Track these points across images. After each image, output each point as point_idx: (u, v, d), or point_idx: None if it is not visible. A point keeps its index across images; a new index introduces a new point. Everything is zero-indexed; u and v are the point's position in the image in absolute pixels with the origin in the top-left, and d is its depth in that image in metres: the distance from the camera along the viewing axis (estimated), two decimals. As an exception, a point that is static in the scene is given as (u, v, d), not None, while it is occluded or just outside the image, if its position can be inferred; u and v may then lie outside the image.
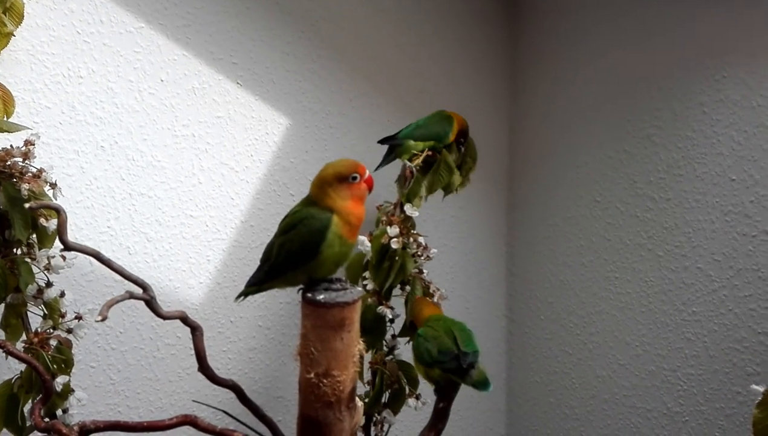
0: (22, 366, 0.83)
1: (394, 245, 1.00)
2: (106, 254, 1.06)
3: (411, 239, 1.02)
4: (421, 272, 1.05)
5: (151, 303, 0.73)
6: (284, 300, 1.27)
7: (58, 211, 0.66)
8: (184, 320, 0.78)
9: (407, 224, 1.04)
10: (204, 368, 0.81)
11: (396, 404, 1.01)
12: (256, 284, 0.87)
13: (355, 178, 0.81)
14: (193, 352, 1.15)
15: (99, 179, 1.05)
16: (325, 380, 0.71)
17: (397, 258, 1.00)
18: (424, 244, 1.04)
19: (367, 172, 0.82)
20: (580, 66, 1.48)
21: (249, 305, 1.22)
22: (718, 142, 1.25)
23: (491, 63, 1.58)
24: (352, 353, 0.73)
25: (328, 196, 0.81)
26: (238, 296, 0.90)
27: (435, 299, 1.07)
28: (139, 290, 0.74)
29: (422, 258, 1.04)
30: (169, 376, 1.15)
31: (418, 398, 1.01)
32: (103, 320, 0.65)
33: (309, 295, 0.73)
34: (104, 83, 1.05)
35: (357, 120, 1.35)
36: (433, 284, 1.07)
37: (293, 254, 0.79)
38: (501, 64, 1.60)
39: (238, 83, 1.18)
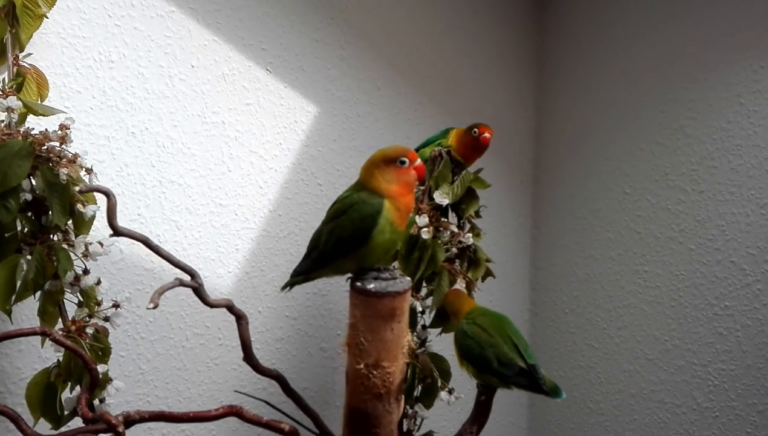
0: (55, 356, 0.82)
1: (425, 235, 0.98)
2: (135, 242, 1.05)
3: (442, 228, 1.00)
4: (452, 261, 1.03)
5: (199, 291, 0.72)
6: (311, 291, 1.26)
7: (108, 195, 0.64)
8: (230, 308, 0.76)
9: (437, 212, 1.01)
10: (249, 357, 0.80)
11: (428, 398, 0.99)
12: (304, 273, 0.85)
13: (403, 162, 0.79)
14: (222, 342, 1.15)
15: (129, 166, 1.04)
16: (374, 371, 0.70)
17: (427, 248, 0.98)
18: (456, 231, 1.02)
19: (419, 160, 0.80)
20: (611, 56, 1.46)
21: (276, 295, 1.21)
22: (755, 134, 1.22)
23: (517, 52, 1.56)
24: (401, 343, 0.71)
25: (375, 178, 0.79)
26: (285, 286, 0.89)
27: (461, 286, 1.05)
28: (187, 277, 0.72)
29: (454, 248, 1.01)
30: (198, 366, 1.13)
31: (451, 392, 0.98)
32: (154, 307, 0.64)
33: (359, 284, 0.72)
34: (135, 68, 1.03)
35: (385, 109, 1.33)
36: (463, 273, 1.05)
37: (343, 240, 0.78)
38: (527, 53, 1.58)
39: (267, 70, 1.16)
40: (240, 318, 0.77)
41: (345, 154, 1.28)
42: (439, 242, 0.99)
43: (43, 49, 0.95)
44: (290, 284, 0.89)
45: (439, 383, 1.00)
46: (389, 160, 0.80)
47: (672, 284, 1.36)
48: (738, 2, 1.24)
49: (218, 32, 1.10)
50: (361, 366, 0.70)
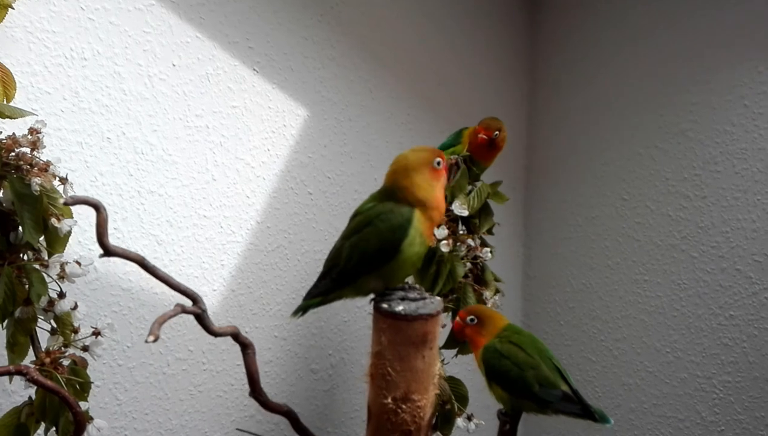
0: (26, 392, 0.71)
1: (444, 248, 0.90)
2: (112, 259, 0.95)
3: (459, 242, 0.93)
4: (468, 276, 0.96)
5: (202, 318, 0.62)
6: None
7: (98, 209, 0.54)
8: (236, 336, 0.67)
9: (455, 225, 0.94)
10: (257, 392, 0.70)
11: (447, 425, 0.91)
12: (322, 295, 0.76)
13: (438, 163, 0.72)
14: (206, 367, 1.06)
15: (105, 175, 0.94)
16: (404, 405, 0.61)
17: (445, 262, 0.91)
18: (473, 244, 0.94)
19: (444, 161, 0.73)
20: (608, 58, 1.41)
21: (264, 314, 1.12)
22: (760, 137, 1.19)
23: (510, 55, 1.51)
24: (432, 373, 0.63)
25: (416, 185, 0.71)
26: (297, 311, 0.79)
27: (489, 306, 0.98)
28: (188, 302, 0.63)
29: (476, 260, 0.94)
30: (180, 394, 1.03)
31: (470, 418, 0.91)
32: (155, 340, 0.54)
33: (384, 306, 0.63)
34: (111, 67, 0.93)
35: (377, 112, 1.25)
36: (486, 289, 0.97)
37: (369, 255, 0.69)
38: (520, 55, 1.52)
39: (254, 70, 1.07)
40: (246, 347, 0.68)
41: (336, 161, 1.20)
42: (457, 255, 0.92)
43: (7, 45, 0.84)
44: (303, 309, 0.79)
45: (456, 408, 0.93)
46: (429, 164, 0.72)
47: (674, 293, 1.32)
48: (741, 1, 1.21)
49: (201, 28, 1.01)
50: (388, 400, 0.62)
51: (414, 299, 0.64)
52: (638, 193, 1.36)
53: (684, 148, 1.29)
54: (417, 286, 0.68)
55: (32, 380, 0.58)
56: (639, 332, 1.38)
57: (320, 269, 0.79)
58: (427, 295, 0.67)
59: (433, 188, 0.71)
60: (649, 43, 1.34)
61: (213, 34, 1.02)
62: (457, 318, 0.88)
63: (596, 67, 1.43)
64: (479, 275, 0.98)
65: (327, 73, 1.17)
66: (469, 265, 0.96)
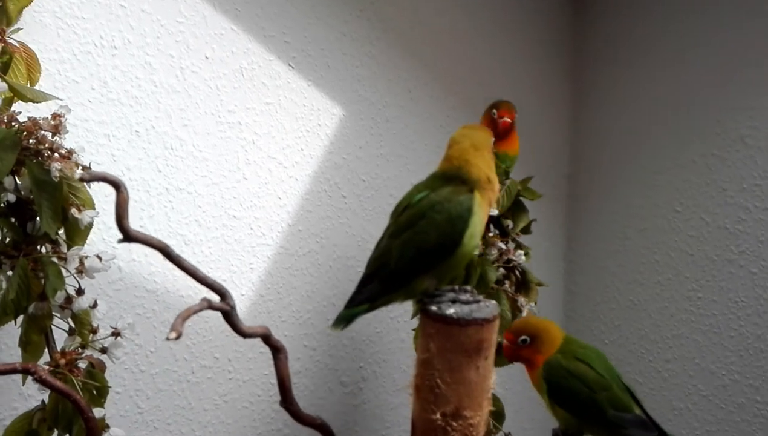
0: (39, 396, 0.67)
1: (474, 251, 0.83)
2: (137, 257, 0.90)
3: (489, 245, 0.86)
4: (502, 282, 0.89)
5: (230, 315, 0.57)
6: (332, 317, 1.10)
7: (118, 187, 0.49)
8: (267, 338, 0.61)
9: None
10: (288, 401, 0.64)
11: (485, 445, 0.83)
12: (370, 301, 0.68)
13: (493, 142, 0.68)
14: (232, 376, 1.00)
15: (132, 170, 0.89)
16: (454, 423, 0.54)
17: (475, 266, 0.84)
18: (505, 247, 0.87)
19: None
20: (660, 57, 1.33)
21: (294, 321, 1.06)
22: (830, 144, 1.10)
23: (554, 57, 1.44)
24: (487, 386, 0.56)
25: (477, 166, 0.65)
26: (339, 322, 0.70)
27: (524, 314, 0.91)
28: (215, 298, 0.57)
29: (511, 264, 0.87)
30: (204, 404, 0.98)
31: (507, 436, 0.83)
32: (177, 337, 0.49)
33: (434, 308, 0.57)
34: (141, 57, 0.89)
35: (415, 113, 1.19)
36: (523, 296, 0.90)
37: (426, 253, 0.62)
38: (564, 56, 1.46)
39: (289, 65, 1.03)
40: (278, 351, 0.62)
41: (372, 163, 1.14)
42: (488, 259, 0.85)
43: (35, 30, 0.80)
44: (347, 319, 0.70)
45: (491, 425, 0.85)
46: (489, 143, 0.67)
47: (731, 311, 1.23)
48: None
49: (237, 20, 0.97)
50: (437, 416, 0.55)
51: (467, 302, 0.58)
52: (692, 204, 1.27)
53: (743, 157, 1.20)
54: (468, 287, 0.61)
55: (40, 380, 0.53)
56: (692, 353, 1.28)
57: (353, 276, 0.72)
58: (481, 297, 0.60)
59: (491, 170, 0.65)
60: (705, 45, 1.26)
61: (248, 26, 0.98)
62: (505, 342, 0.80)
63: (647, 69, 1.36)
64: (518, 280, 0.91)
65: (365, 72, 1.12)
66: (502, 270, 0.89)
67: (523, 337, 0.79)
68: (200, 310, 0.53)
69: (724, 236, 1.23)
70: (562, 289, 1.51)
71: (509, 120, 0.93)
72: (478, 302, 0.58)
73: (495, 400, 0.87)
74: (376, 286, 0.66)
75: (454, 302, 0.58)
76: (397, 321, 1.19)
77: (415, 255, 0.63)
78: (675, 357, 1.31)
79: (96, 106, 0.86)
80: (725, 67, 1.23)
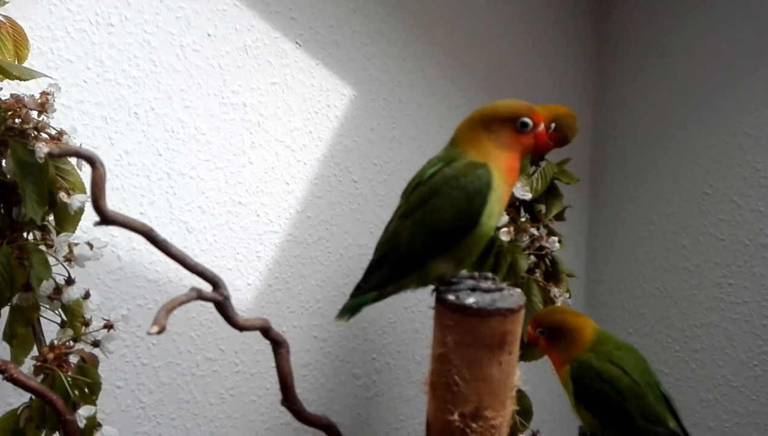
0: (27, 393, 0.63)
1: (503, 236, 0.78)
2: (137, 245, 0.86)
3: (521, 230, 0.80)
4: (533, 271, 0.83)
5: (224, 306, 0.52)
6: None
7: (93, 163, 0.45)
8: (266, 331, 0.56)
9: (515, 211, 0.82)
10: (290, 400, 0.60)
11: (510, 444, 0.78)
12: (379, 287, 0.62)
13: (525, 125, 0.59)
14: (238, 368, 0.96)
15: (131, 154, 0.85)
16: (473, 424, 0.49)
17: (504, 254, 0.79)
18: (536, 234, 0.82)
19: (542, 125, 0.60)
20: (687, 29, 1.26)
21: (303, 312, 1.02)
22: None
23: (576, 33, 1.37)
24: (511, 384, 0.51)
25: (480, 142, 0.59)
26: (345, 312, 0.65)
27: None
28: (207, 287, 0.53)
29: (543, 252, 0.82)
30: (210, 398, 0.94)
31: (535, 435, 0.78)
32: (160, 331, 0.44)
33: (451, 297, 0.51)
34: (140, 35, 0.85)
35: (429, 94, 1.14)
36: (556, 286, 0.85)
37: (441, 233, 0.57)
38: (586, 32, 1.39)
39: (297, 43, 0.98)
40: (278, 345, 0.57)
41: (384, 146, 1.09)
42: (519, 246, 0.80)
43: (25, 5, 0.76)
44: (353, 309, 0.65)
45: (518, 423, 0.80)
46: (506, 120, 0.59)
47: (764, 298, 1.16)
48: None
49: (239, -5, 0.92)
50: (455, 416, 0.50)
51: (488, 290, 0.52)
52: (723, 186, 1.21)
53: (779, 135, 1.13)
54: (489, 274, 0.56)
55: (11, 379, 0.49)
56: (721, 342, 1.22)
57: (365, 264, 0.67)
58: (504, 285, 0.54)
59: (500, 150, 0.58)
60: (737, 17, 1.19)
61: (252, 2, 0.93)
62: (529, 329, 0.75)
63: (674, 46, 1.28)
64: (548, 269, 0.85)
65: (376, 50, 1.07)
66: (533, 257, 0.83)
67: (541, 329, 0.74)
68: (188, 301, 0.48)
69: (757, 219, 1.16)
70: (584, 276, 1.45)
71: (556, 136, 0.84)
72: (501, 290, 0.53)
73: (522, 396, 0.82)
74: (385, 272, 0.60)
75: (474, 290, 0.52)
76: (411, 311, 1.15)
77: (428, 236, 0.57)
78: (703, 347, 1.25)
79: (92, 87, 0.82)
80: (759, 40, 1.15)
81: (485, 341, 0.49)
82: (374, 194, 1.08)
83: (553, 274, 0.85)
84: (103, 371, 0.84)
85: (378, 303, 1.09)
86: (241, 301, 0.95)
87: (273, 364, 0.99)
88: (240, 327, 0.52)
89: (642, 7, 1.34)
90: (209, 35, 0.90)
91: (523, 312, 0.52)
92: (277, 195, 0.98)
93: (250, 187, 0.95)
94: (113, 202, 0.84)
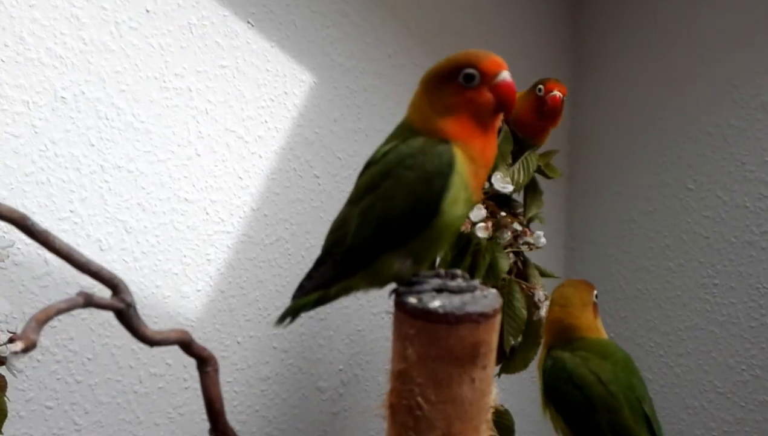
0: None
1: (480, 233, 0.69)
2: (67, 248, 0.76)
3: (502, 225, 0.72)
4: (512, 271, 0.75)
5: (125, 316, 0.42)
6: (305, 314, 0.97)
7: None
8: (187, 345, 0.46)
9: (494, 204, 0.74)
10: (220, 429, 0.50)
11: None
12: (322, 287, 0.52)
13: (470, 77, 0.47)
14: (188, 384, 0.86)
15: (58, 144, 0.75)
16: (440, 455, 0.40)
17: (483, 252, 0.70)
18: (520, 229, 0.74)
19: (503, 74, 0.48)
20: (667, 20, 1.20)
21: (261, 320, 0.92)
22: None
23: (550, 19, 1.31)
24: (485, 405, 0.42)
25: (420, 109, 0.49)
26: (283, 317, 0.56)
27: (542, 314, 0.77)
28: (105, 292, 0.43)
29: (525, 247, 0.74)
30: (156, 417, 0.84)
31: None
32: (26, 349, 0.34)
33: (412, 300, 0.43)
34: (67, 9, 0.75)
35: (396, 82, 1.06)
36: (539, 291, 0.77)
37: (392, 222, 0.47)
38: (561, 20, 1.33)
39: (249, 23, 0.89)
40: (204, 362, 0.47)
41: (348, 139, 1.00)
42: (499, 244, 0.72)
43: (-74, -29, 0.66)
44: (293, 312, 0.56)
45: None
46: (445, 76, 0.48)
47: (751, 299, 1.10)
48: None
49: (183, -32, 0.83)
50: (419, 444, 0.41)
51: (458, 290, 0.43)
52: (707, 181, 1.15)
53: (764, 126, 1.08)
54: (458, 271, 0.47)
55: None
56: (707, 346, 1.16)
57: None
58: (476, 283, 0.46)
59: (447, 115, 0.47)
60: (719, 2, 1.13)
61: (198, -24, 0.84)
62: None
63: (653, 33, 1.23)
64: (520, 270, 0.77)
65: (338, 33, 0.98)
66: (512, 256, 0.75)
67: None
68: (69, 309, 0.38)
69: (743, 215, 1.11)
70: (562, 277, 1.38)
71: (560, 94, 0.77)
72: (472, 290, 0.44)
73: (503, 415, 0.74)
74: (330, 269, 0.51)
75: (440, 291, 0.44)
76: (381, 317, 1.06)
77: (378, 226, 0.48)
78: (688, 351, 1.19)
79: (11, 67, 0.72)
80: (741, 24, 1.10)
81: (454, 353, 0.40)
82: (338, 191, 1.00)
83: (525, 274, 0.77)
84: (30, 389, 0.75)
85: (344, 309, 1.02)
86: (189, 309, 0.85)
87: (228, 379, 0.91)
88: (150, 341, 0.42)
89: (619, -5, 1.29)
90: (148, 11, 0.80)
91: (499, 317, 0.43)
92: (229, 191, 0.88)
93: (197, 182, 0.85)
94: (38, 199, 0.74)
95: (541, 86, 0.79)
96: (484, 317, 0.40)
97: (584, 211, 1.34)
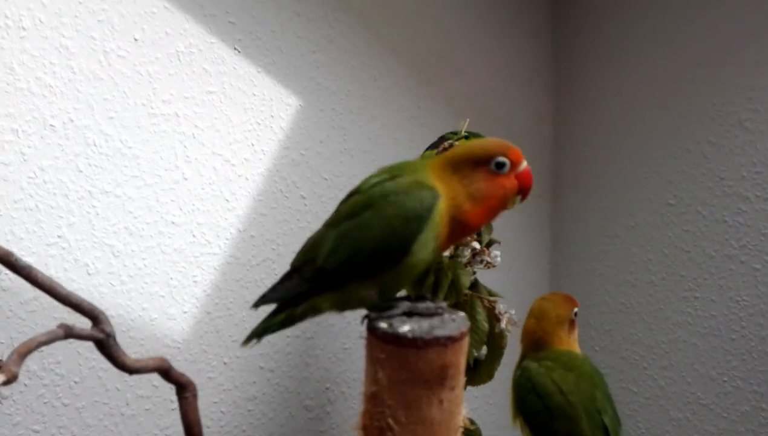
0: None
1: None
2: (55, 273, 0.77)
3: (461, 245, 0.74)
4: (474, 286, 0.77)
5: (106, 345, 0.43)
6: (292, 333, 0.98)
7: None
8: (166, 372, 0.48)
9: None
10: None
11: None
12: (288, 305, 0.55)
13: (501, 165, 0.53)
14: (175, 406, 0.86)
15: (47, 170, 0.76)
16: (412, 475, 0.42)
17: (445, 271, 0.72)
18: (478, 248, 0.76)
19: (524, 162, 0.54)
20: (647, 36, 1.23)
21: (249, 340, 0.93)
22: (836, 127, 1.00)
23: (534, 40, 1.33)
24: (455, 425, 0.44)
25: (443, 180, 0.53)
26: (249, 338, 0.58)
27: (503, 326, 0.79)
28: (85, 323, 0.44)
29: (482, 265, 0.76)
30: (143, 439, 0.85)
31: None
32: (8, 381, 0.36)
33: (383, 325, 0.44)
34: (56, 39, 0.76)
35: (382, 104, 1.08)
36: (500, 304, 0.79)
37: (364, 254, 0.49)
38: (545, 41, 1.35)
39: (235, 49, 0.90)
40: (183, 388, 0.49)
41: (334, 160, 1.02)
42: (461, 262, 0.73)
43: None
44: (259, 334, 0.58)
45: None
46: (477, 162, 0.53)
47: (732, 312, 1.12)
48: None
49: (170, -3, 0.85)
50: (389, 467, 0.42)
51: (427, 313, 0.45)
52: (687, 196, 1.17)
53: (742, 142, 1.10)
54: (428, 295, 0.49)
55: None
56: (690, 359, 1.18)
57: None
58: (444, 305, 0.47)
59: (467, 189, 0.51)
60: (697, 20, 1.16)
61: (185, 4, 0.86)
62: None
63: (633, 53, 1.25)
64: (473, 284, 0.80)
65: (324, 57, 1.00)
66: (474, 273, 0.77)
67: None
68: (50, 341, 0.40)
69: (722, 229, 1.13)
70: (548, 292, 1.40)
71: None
72: (440, 313, 0.46)
73: (471, 433, 0.75)
74: (295, 284, 0.53)
75: (410, 314, 0.45)
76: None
77: (351, 254, 0.50)
78: (672, 363, 1.20)
79: (1, 97, 0.73)
80: (721, 43, 1.13)
81: (423, 376, 0.41)
82: (324, 211, 1.01)
83: (478, 289, 0.79)
84: (17, 413, 0.76)
85: (331, 328, 1.03)
86: (176, 331, 0.86)
87: (214, 399, 0.92)
88: (129, 369, 0.43)
89: (598, 16, 1.31)
90: (136, 40, 0.82)
91: (467, 339, 0.45)
92: (216, 213, 0.90)
93: (184, 206, 0.87)
94: (27, 225, 0.75)
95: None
96: (451, 340, 0.42)
97: (569, 228, 1.36)
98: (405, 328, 0.43)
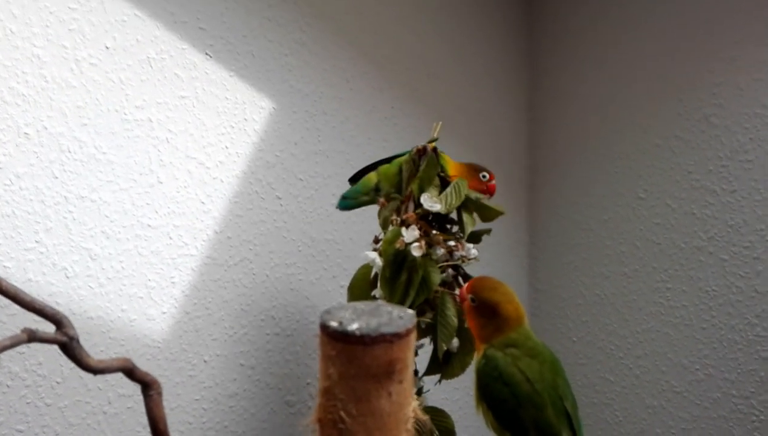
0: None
1: (415, 251, 0.73)
2: (33, 277, 0.79)
3: (434, 243, 0.76)
4: (448, 284, 0.79)
5: (69, 348, 0.46)
6: (272, 331, 1.01)
7: None
8: (129, 372, 0.50)
9: (426, 223, 0.77)
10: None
11: (431, 468, 0.74)
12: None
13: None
14: (155, 404, 0.89)
15: (23, 177, 0.78)
16: (365, 464, 0.44)
17: (417, 269, 0.74)
18: (453, 244, 0.78)
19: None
20: (615, 36, 1.26)
21: (227, 339, 0.96)
22: (797, 120, 1.03)
23: (507, 39, 1.36)
24: (404, 415, 0.46)
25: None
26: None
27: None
28: (49, 327, 0.46)
29: (458, 260, 0.78)
30: (125, 437, 0.87)
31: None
32: None
33: (333, 323, 0.47)
34: (28, 49, 0.78)
35: (355, 106, 1.10)
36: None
37: None
38: (518, 40, 1.37)
39: (207, 54, 0.92)
40: (147, 386, 0.51)
41: (309, 161, 1.04)
42: (433, 260, 0.76)
43: None
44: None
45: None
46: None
47: (702, 302, 1.15)
48: (766, -33, 1.06)
49: (141, 5, 0.86)
50: (344, 457, 0.45)
51: (375, 312, 0.47)
52: (657, 190, 1.20)
53: (708, 137, 1.13)
54: (376, 295, 0.51)
55: None
56: (663, 348, 1.21)
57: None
58: (392, 306, 0.50)
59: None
60: (663, 18, 1.18)
61: (155, 11, 0.88)
62: (464, 287, 0.74)
63: (603, 50, 1.28)
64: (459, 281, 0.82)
65: (296, 61, 1.02)
66: (450, 271, 0.79)
67: (473, 297, 0.72)
68: (14, 345, 0.42)
69: (691, 222, 1.15)
70: (526, 285, 1.43)
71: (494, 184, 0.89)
72: (389, 311, 0.48)
73: (443, 416, 0.78)
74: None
75: (359, 314, 0.48)
76: (345, 331, 1.09)
77: None
78: (646, 353, 1.23)
79: (-27, 106, 0.75)
80: (686, 40, 1.15)
81: (371, 371, 0.44)
82: (300, 211, 1.03)
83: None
84: (0, 414, 0.78)
85: (311, 325, 1.05)
86: (155, 331, 0.89)
87: (195, 396, 0.94)
88: (93, 370, 0.46)
89: (572, 13, 1.34)
90: (107, 48, 0.84)
91: (413, 335, 0.47)
92: (192, 215, 0.92)
93: (160, 209, 0.89)
94: (4, 231, 0.77)
95: (485, 174, 0.85)
96: (397, 336, 0.44)
97: (546, 222, 1.39)
98: (354, 326, 0.45)
